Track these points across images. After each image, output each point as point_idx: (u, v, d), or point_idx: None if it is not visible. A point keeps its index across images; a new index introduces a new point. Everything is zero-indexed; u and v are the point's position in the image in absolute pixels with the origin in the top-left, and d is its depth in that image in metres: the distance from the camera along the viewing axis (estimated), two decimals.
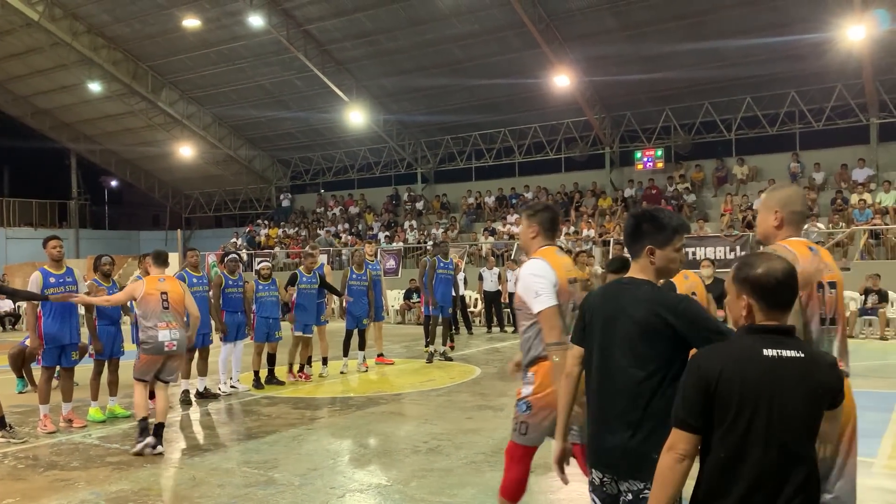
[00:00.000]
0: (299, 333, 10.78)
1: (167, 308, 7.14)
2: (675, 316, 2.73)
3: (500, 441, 7.03)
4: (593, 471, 2.90)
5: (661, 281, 3.05)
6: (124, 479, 6.01)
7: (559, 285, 3.76)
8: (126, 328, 8.89)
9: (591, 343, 2.93)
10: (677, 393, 2.35)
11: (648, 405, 2.74)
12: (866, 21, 17.59)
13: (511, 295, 17.47)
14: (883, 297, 15.26)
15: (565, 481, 3.15)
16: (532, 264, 3.90)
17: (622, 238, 3.10)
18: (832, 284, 3.22)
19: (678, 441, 2.30)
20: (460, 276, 17.95)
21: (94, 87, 27.89)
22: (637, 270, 2.95)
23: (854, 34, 17.94)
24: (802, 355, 2.27)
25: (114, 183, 40.84)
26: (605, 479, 2.84)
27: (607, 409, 2.82)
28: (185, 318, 7.37)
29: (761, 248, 3.31)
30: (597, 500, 2.88)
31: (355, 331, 11.60)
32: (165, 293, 7.19)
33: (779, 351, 2.25)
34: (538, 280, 3.77)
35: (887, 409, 8.17)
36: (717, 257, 18.52)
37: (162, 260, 7.57)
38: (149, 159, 34.46)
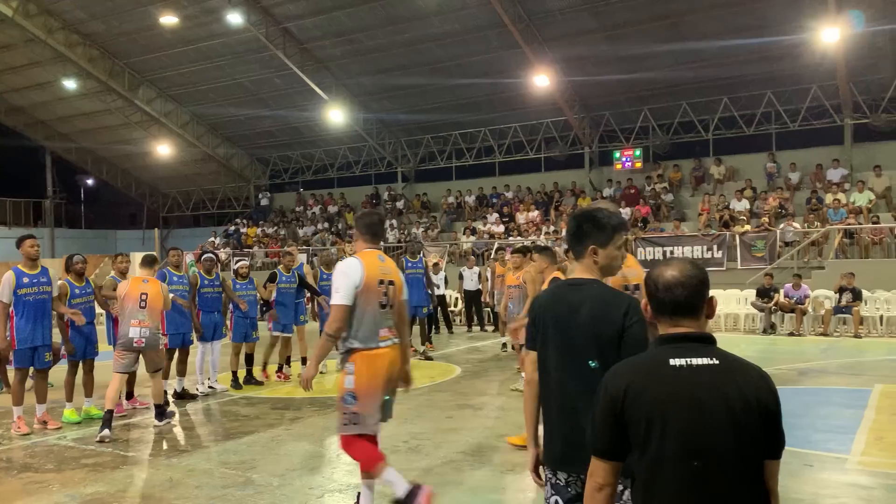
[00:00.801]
0: (277, 333, 10.72)
1: (143, 307, 7.76)
2: (625, 320, 2.80)
3: (481, 440, 7.05)
4: (557, 472, 2.91)
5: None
6: (100, 481, 5.95)
7: (363, 286, 4.48)
8: (101, 328, 8.80)
9: (547, 345, 2.95)
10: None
11: None
12: (841, 23, 17.82)
13: (492, 294, 17.54)
14: (857, 296, 15.48)
15: (542, 486, 3.18)
16: (344, 262, 4.63)
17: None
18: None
19: (595, 469, 2.17)
20: (441, 276, 17.96)
21: (70, 84, 27.55)
22: (582, 270, 3.00)
23: (828, 36, 18.18)
24: (717, 362, 2.09)
25: (90, 181, 40.34)
26: (570, 478, 2.86)
27: (571, 409, 2.84)
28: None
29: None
30: (560, 502, 2.89)
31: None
32: (145, 294, 7.83)
33: (688, 360, 2.09)
34: (341, 278, 4.51)
35: (861, 405, 8.29)
36: (695, 256, 18.69)
37: (147, 262, 8.28)
38: (126, 157, 34.10)
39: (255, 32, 22.97)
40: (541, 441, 3.06)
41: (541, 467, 3.09)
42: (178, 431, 7.97)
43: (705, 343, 2.16)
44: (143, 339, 7.71)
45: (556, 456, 2.91)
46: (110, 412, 7.47)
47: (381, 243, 4.82)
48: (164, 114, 29.14)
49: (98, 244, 35.24)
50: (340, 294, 4.48)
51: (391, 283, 4.67)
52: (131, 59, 27.00)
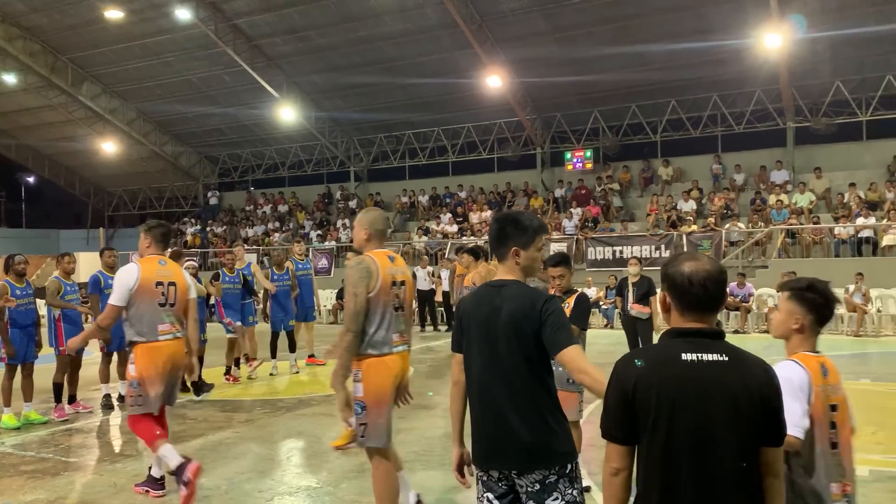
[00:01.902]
0: (230, 335, 10.54)
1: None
2: (542, 314, 2.86)
3: (433, 440, 7.05)
4: (488, 471, 2.92)
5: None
6: (40, 489, 5.77)
7: (136, 288, 5.27)
8: (43, 331, 8.54)
9: (471, 347, 2.99)
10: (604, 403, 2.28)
11: (539, 398, 2.86)
12: (783, 29, 18.33)
13: (445, 294, 17.56)
14: None
15: (467, 485, 3.19)
16: (126, 267, 5.45)
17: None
18: (402, 283, 4.42)
19: (611, 453, 2.25)
20: (428, 270, 17.94)
21: (9, 79, 26.61)
22: (505, 272, 3.06)
23: (771, 41, 18.68)
24: (726, 359, 2.18)
25: (31, 179, 39.12)
26: (500, 475, 2.89)
27: (496, 409, 2.88)
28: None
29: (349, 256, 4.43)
30: (492, 499, 2.91)
31: (283, 332, 11.43)
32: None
33: (699, 355, 2.17)
34: (118, 280, 5.40)
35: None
36: (644, 255, 19.00)
37: (175, 256, 9.01)
38: (69, 155, 33.15)
39: (204, 29, 22.57)
40: (467, 441, 3.08)
41: (465, 467, 3.14)
42: (122, 435, 7.78)
43: (716, 339, 2.24)
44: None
45: (483, 454, 2.94)
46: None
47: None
48: (109, 110, 28.42)
49: (40, 244, 34.16)
50: (115, 295, 5.30)
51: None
52: (75, 53, 26.25)
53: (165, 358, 5.33)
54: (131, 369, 5.30)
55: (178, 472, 5.01)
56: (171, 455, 5.10)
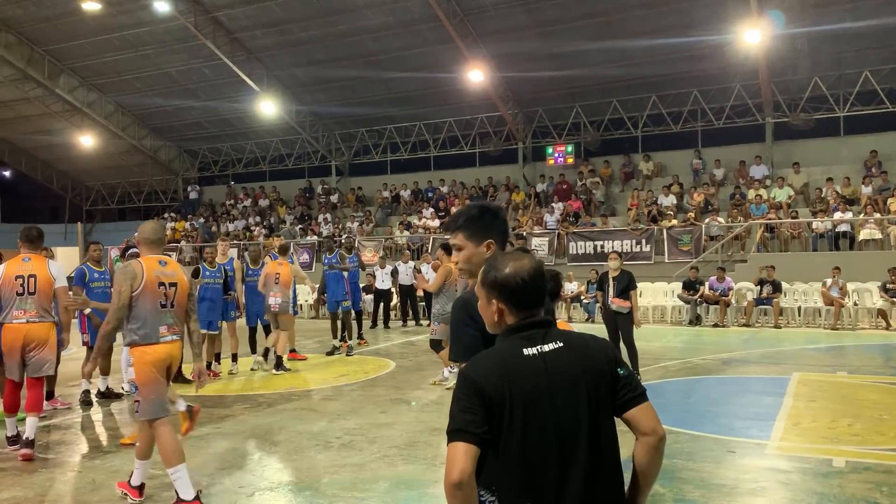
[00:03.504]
0: (203, 330, 10.43)
1: (277, 283, 10.87)
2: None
3: (415, 434, 7.05)
4: None
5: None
6: (17, 485, 5.70)
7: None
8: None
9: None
10: (454, 401, 2.12)
11: None
12: (762, 25, 18.48)
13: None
14: (777, 288, 16.11)
15: None
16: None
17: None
18: (172, 284, 5.05)
19: (458, 457, 2.02)
20: (386, 271, 17.89)
21: None
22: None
23: (751, 37, 18.82)
24: (562, 345, 2.16)
25: (7, 173, 38.54)
26: None
27: None
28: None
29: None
30: None
31: (260, 326, 11.41)
32: (278, 274, 9.85)
33: (539, 347, 2.15)
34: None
35: (780, 393, 8.63)
36: (624, 250, 19.15)
37: (283, 250, 11.07)
38: (46, 149, 32.71)
39: (184, 21, 22.36)
40: None
41: None
42: (102, 432, 7.71)
43: (547, 327, 2.21)
44: (277, 305, 10.87)
45: None
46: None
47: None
48: (87, 104, 28.09)
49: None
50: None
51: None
52: (51, 46, 25.91)
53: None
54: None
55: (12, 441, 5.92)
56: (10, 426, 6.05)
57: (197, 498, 4.95)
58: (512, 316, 2.22)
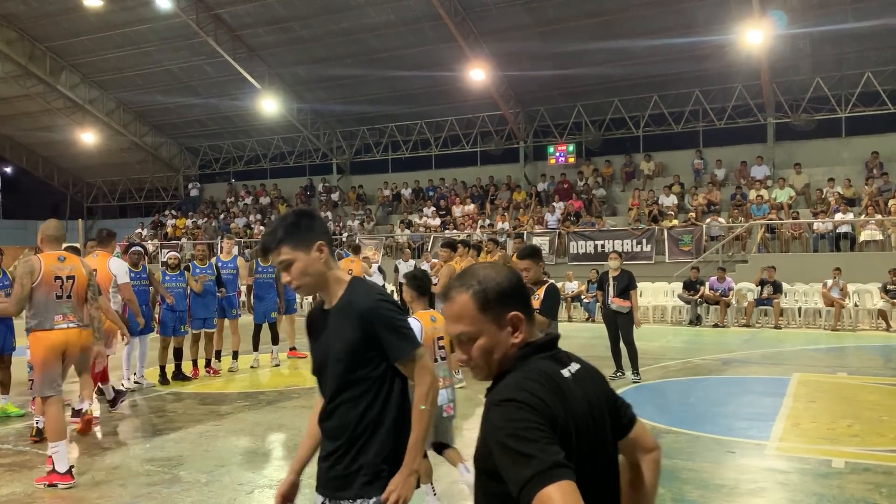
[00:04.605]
0: (198, 329, 10.39)
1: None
2: None
3: None
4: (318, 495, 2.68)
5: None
6: (17, 482, 5.71)
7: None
8: (20, 322, 8.42)
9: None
10: (514, 439, 1.63)
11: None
12: (764, 25, 18.46)
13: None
14: (777, 288, 16.10)
15: None
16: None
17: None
18: (70, 277, 5.79)
19: (569, 495, 1.56)
20: (374, 268, 17.84)
21: None
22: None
23: (753, 37, 18.80)
24: (580, 366, 1.90)
25: (8, 169, 38.53)
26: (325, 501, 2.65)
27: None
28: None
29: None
30: None
31: (265, 324, 11.37)
32: (351, 270, 9.01)
33: (569, 368, 1.86)
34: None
35: (780, 393, 8.63)
36: (625, 250, 19.14)
37: (355, 249, 10.55)
38: (47, 145, 32.71)
39: (185, 18, 22.35)
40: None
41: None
42: (101, 428, 7.71)
43: (557, 343, 1.94)
44: None
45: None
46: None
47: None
48: (88, 100, 28.08)
49: (18, 235, 33.65)
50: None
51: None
52: (53, 42, 25.90)
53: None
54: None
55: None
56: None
57: (69, 472, 5.50)
58: (531, 327, 1.86)
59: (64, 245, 7.81)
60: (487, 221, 22.83)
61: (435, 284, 10.16)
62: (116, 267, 8.31)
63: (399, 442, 2.57)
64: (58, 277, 5.72)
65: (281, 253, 2.55)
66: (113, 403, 8.16)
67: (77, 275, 5.85)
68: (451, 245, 11.06)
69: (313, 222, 2.63)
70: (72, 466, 5.61)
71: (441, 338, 5.04)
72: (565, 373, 1.82)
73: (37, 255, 5.79)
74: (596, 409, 1.84)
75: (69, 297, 5.77)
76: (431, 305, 5.50)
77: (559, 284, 18.36)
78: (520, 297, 1.88)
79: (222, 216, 28.92)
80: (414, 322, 4.83)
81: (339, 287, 2.63)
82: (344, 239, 19.18)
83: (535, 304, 6.02)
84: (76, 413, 7.32)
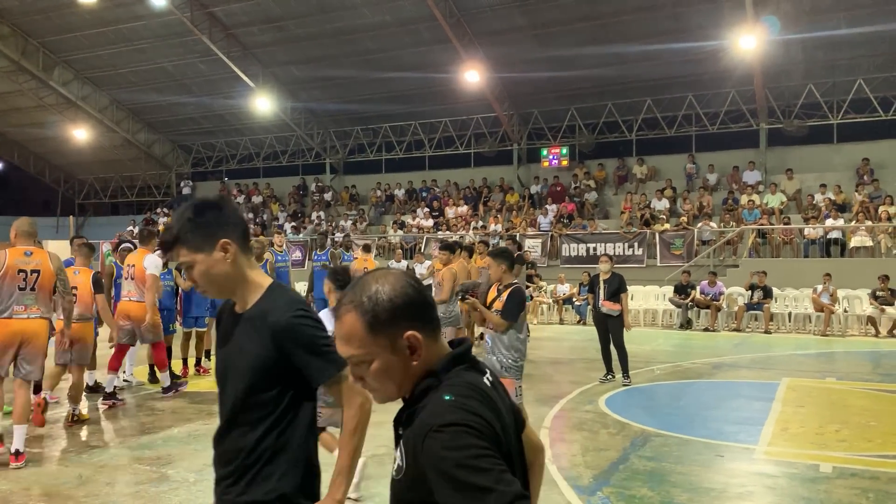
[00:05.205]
0: (189, 328, 10.34)
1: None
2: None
3: None
4: None
5: None
6: (3, 479, 5.67)
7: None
8: None
9: None
10: (465, 471, 1.42)
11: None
12: (758, 31, 18.54)
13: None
14: (767, 294, 16.16)
15: None
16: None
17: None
18: (34, 271, 6.20)
19: None
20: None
21: None
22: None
23: (746, 43, 18.88)
24: (488, 371, 1.72)
25: None
26: None
27: None
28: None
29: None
30: None
31: None
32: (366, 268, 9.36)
33: (487, 375, 1.67)
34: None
35: (769, 398, 8.66)
36: (616, 253, 19.18)
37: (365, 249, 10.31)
38: (39, 141, 32.56)
39: (180, 16, 22.28)
40: None
41: None
42: (89, 426, 7.67)
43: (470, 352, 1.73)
44: None
45: None
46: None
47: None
48: (81, 97, 27.96)
49: (7, 230, 33.50)
50: None
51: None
52: (46, 38, 25.78)
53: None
54: None
55: None
56: None
57: (21, 454, 6.00)
58: (429, 342, 1.63)
59: (79, 244, 8.34)
60: (480, 223, 22.84)
61: (479, 285, 10.22)
62: (150, 261, 8.65)
63: (301, 481, 2.27)
64: (21, 271, 6.17)
65: (179, 254, 2.24)
66: (168, 390, 8.94)
67: (43, 269, 6.27)
68: (449, 247, 11.02)
69: (217, 215, 2.26)
70: (21, 452, 6.09)
71: None
72: (486, 381, 1.64)
73: (4, 250, 6.24)
74: (512, 413, 1.69)
75: (33, 289, 6.21)
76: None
77: (550, 287, 18.47)
78: (417, 313, 1.62)
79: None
80: (329, 315, 4.90)
81: (254, 292, 2.28)
82: (339, 238, 19.15)
83: (499, 305, 6.06)
84: (108, 396, 8.36)
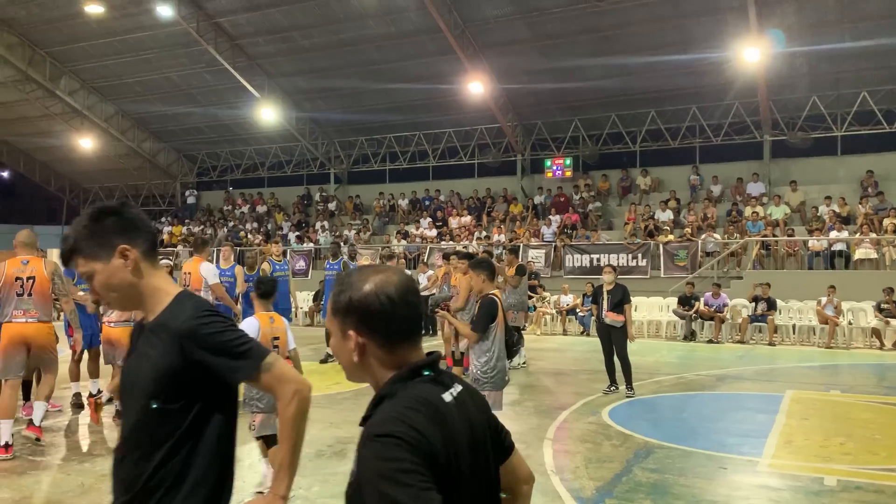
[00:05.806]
0: None
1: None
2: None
3: None
4: None
5: None
6: (5, 488, 5.67)
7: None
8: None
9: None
10: (388, 483, 1.46)
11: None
12: (762, 43, 18.58)
13: (425, 297, 17.53)
14: (771, 305, 16.12)
15: None
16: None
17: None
18: (30, 278, 6.72)
19: None
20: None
21: None
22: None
23: (750, 55, 18.92)
24: (462, 387, 1.72)
25: (5, 174, 38.52)
26: None
27: None
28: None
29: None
30: None
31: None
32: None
33: (451, 391, 1.67)
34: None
35: (773, 410, 8.62)
36: (621, 264, 19.17)
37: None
38: (45, 150, 32.68)
39: (186, 26, 22.40)
40: None
41: None
42: (91, 435, 7.67)
43: (438, 364, 1.72)
44: None
45: None
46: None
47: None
48: (87, 106, 28.09)
49: (11, 239, 33.61)
50: None
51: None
52: (53, 48, 25.94)
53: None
54: None
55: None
56: None
57: (10, 446, 6.39)
58: (387, 353, 1.66)
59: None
60: (484, 233, 22.85)
61: (452, 297, 10.20)
62: (206, 270, 9.10)
63: (209, 500, 2.20)
64: (18, 278, 6.72)
65: (77, 264, 2.11)
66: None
67: (37, 275, 6.79)
68: (468, 256, 10.96)
69: (115, 221, 2.12)
70: (10, 444, 6.44)
71: (277, 338, 5.38)
72: (447, 397, 1.64)
73: (3, 262, 6.86)
74: (478, 429, 1.69)
75: (30, 295, 6.73)
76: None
77: (554, 298, 18.45)
78: (369, 318, 1.64)
79: (231, 223, 28.83)
80: (252, 321, 5.35)
81: (160, 301, 2.13)
82: (344, 248, 19.15)
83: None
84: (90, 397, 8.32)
